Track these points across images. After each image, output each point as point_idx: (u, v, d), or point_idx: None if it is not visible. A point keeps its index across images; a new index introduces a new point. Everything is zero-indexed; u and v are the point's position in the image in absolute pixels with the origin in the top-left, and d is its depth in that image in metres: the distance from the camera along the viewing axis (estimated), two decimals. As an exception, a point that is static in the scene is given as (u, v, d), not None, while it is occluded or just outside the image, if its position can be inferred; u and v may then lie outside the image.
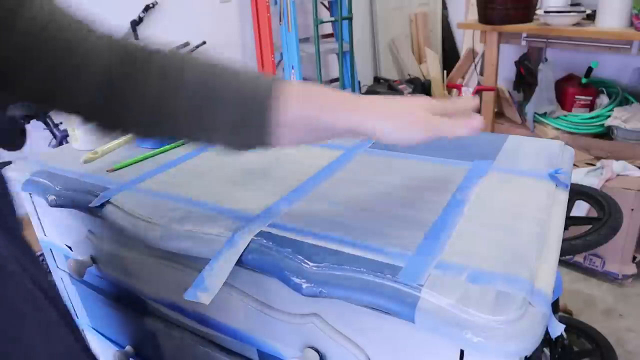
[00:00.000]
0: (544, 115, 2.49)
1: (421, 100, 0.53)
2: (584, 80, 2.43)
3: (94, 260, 0.75)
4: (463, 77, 3.25)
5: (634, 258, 1.93)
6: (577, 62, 2.64)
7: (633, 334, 1.69)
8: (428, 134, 0.51)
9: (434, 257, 0.47)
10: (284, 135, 0.49)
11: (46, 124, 1.77)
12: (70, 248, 0.79)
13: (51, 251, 0.86)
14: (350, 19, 2.67)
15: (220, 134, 0.49)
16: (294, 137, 0.50)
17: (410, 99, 0.53)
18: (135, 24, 2.08)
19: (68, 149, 0.86)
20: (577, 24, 2.19)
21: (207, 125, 0.48)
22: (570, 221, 1.17)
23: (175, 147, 0.83)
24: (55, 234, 0.82)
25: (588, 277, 1.99)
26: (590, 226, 1.17)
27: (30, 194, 0.80)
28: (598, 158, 2.14)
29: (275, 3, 2.48)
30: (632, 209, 1.82)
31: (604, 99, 2.44)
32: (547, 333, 0.42)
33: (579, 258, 2.00)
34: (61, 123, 1.81)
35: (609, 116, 2.31)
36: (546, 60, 2.41)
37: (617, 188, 1.85)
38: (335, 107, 0.49)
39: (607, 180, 1.89)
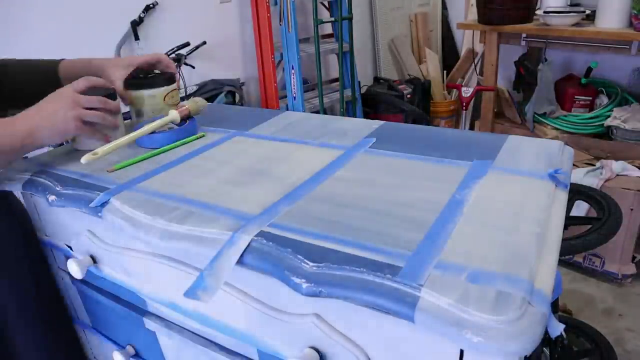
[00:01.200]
0: (544, 115, 2.49)
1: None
2: (583, 81, 2.43)
3: (94, 260, 0.75)
4: (463, 77, 3.25)
5: (634, 258, 1.93)
6: (576, 62, 2.64)
7: (632, 333, 1.69)
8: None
9: (433, 257, 0.47)
10: None
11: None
12: (70, 248, 0.79)
13: (51, 251, 0.86)
14: (350, 19, 2.67)
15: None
16: None
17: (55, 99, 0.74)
18: (136, 24, 2.08)
19: (68, 149, 0.86)
20: (577, 24, 2.19)
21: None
22: (570, 221, 1.18)
23: (175, 147, 0.83)
24: (55, 234, 0.82)
25: (588, 277, 1.99)
26: (589, 226, 1.17)
27: (30, 194, 0.80)
28: (597, 158, 2.14)
29: (275, 3, 2.48)
30: (632, 209, 1.82)
31: (603, 99, 2.44)
32: (546, 333, 0.42)
33: (578, 258, 2.00)
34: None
35: (608, 116, 2.31)
36: (546, 60, 2.41)
37: (616, 188, 1.85)
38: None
39: (606, 180, 1.90)
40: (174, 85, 0.92)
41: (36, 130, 0.71)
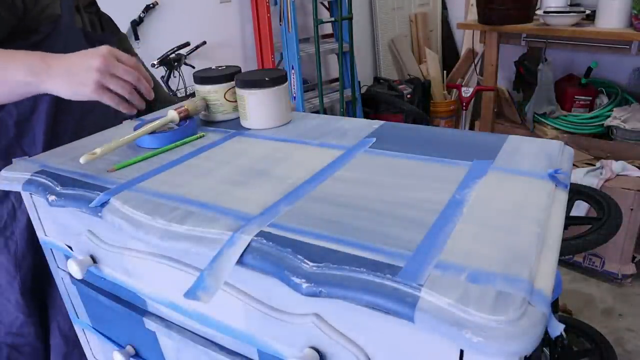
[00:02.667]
0: (544, 115, 2.49)
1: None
2: (583, 81, 2.44)
3: (94, 260, 0.75)
4: (463, 77, 3.25)
5: (634, 258, 1.93)
6: (576, 62, 2.64)
7: (632, 333, 1.69)
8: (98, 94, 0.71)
9: (433, 257, 0.47)
10: None
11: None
12: (70, 248, 0.79)
13: (51, 251, 0.86)
14: (350, 19, 2.67)
15: None
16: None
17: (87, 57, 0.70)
18: (136, 24, 2.08)
19: (68, 148, 0.86)
20: (577, 24, 2.19)
21: None
22: (570, 221, 1.18)
23: (175, 147, 0.83)
24: (55, 234, 0.82)
25: (588, 276, 2.00)
26: (590, 226, 1.17)
27: (30, 194, 0.80)
28: (597, 158, 2.14)
29: (275, 3, 2.48)
30: (632, 209, 1.82)
31: (603, 99, 2.44)
32: (546, 333, 0.42)
33: (578, 258, 2.01)
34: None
35: (608, 116, 2.32)
36: (546, 60, 2.42)
37: (616, 188, 1.85)
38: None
39: (606, 180, 1.90)
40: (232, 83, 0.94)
41: (47, 73, 0.67)
